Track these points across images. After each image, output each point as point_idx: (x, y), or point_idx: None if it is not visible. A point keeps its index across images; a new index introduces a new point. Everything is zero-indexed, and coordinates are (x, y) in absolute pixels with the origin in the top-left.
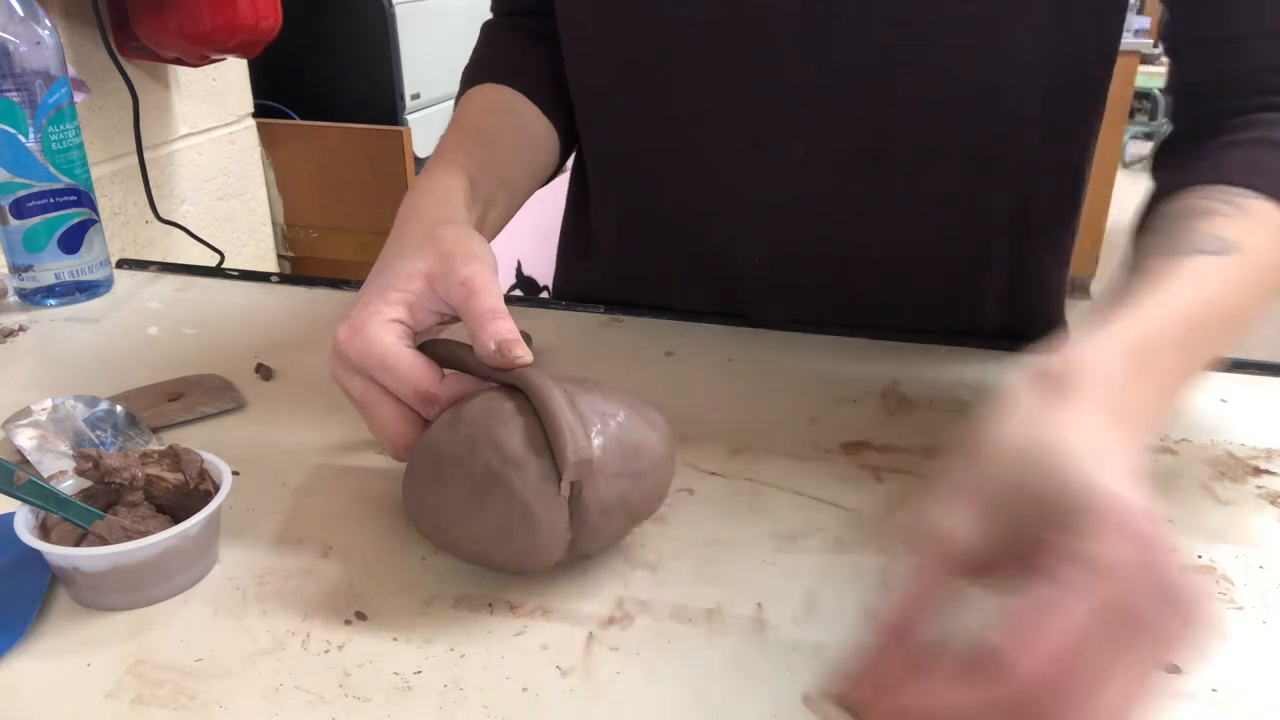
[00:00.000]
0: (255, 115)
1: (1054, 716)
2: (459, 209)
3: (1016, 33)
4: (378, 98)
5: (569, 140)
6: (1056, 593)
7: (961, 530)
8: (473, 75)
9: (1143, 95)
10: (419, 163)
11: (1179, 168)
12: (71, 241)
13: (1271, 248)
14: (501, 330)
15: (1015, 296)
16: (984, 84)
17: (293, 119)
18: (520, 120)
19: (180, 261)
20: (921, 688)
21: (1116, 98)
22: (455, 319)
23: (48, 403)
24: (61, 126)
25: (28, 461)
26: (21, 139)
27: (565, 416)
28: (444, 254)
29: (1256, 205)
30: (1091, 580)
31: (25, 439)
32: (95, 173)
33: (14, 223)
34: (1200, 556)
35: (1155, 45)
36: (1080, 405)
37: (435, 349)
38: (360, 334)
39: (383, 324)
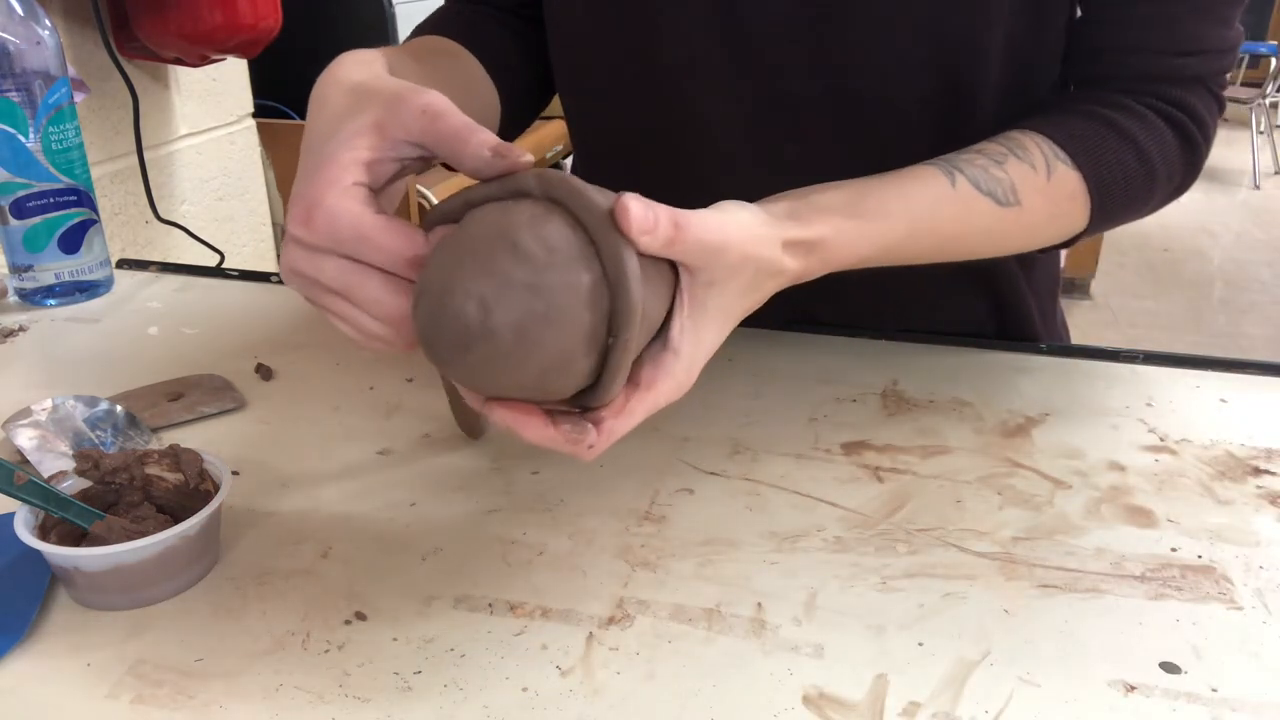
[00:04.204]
0: (255, 115)
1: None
2: (385, 73)
3: (992, 31)
4: None
5: (510, 116)
6: (641, 403)
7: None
8: (420, 29)
9: None
10: None
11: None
12: (71, 241)
13: (1045, 208)
14: (489, 138)
15: (1011, 295)
16: (966, 80)
17: (293, 119)
18: (465, 67)
19: (180, 261)
20: (529, 417)
21: None
22: (420, 161)
23: (48, 403)
24: (61, 126)
25: (28, 461)
26: (21, 139)
27: (632, 267)
28: (389, 98)
29: (1063, 173)
30: (654, 405)
31: (25, 439)
32: (95, 173)
33: (14, 223)
34: (1200, 556)
35: None
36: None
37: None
38: (321, 211)
39: (343, 192)
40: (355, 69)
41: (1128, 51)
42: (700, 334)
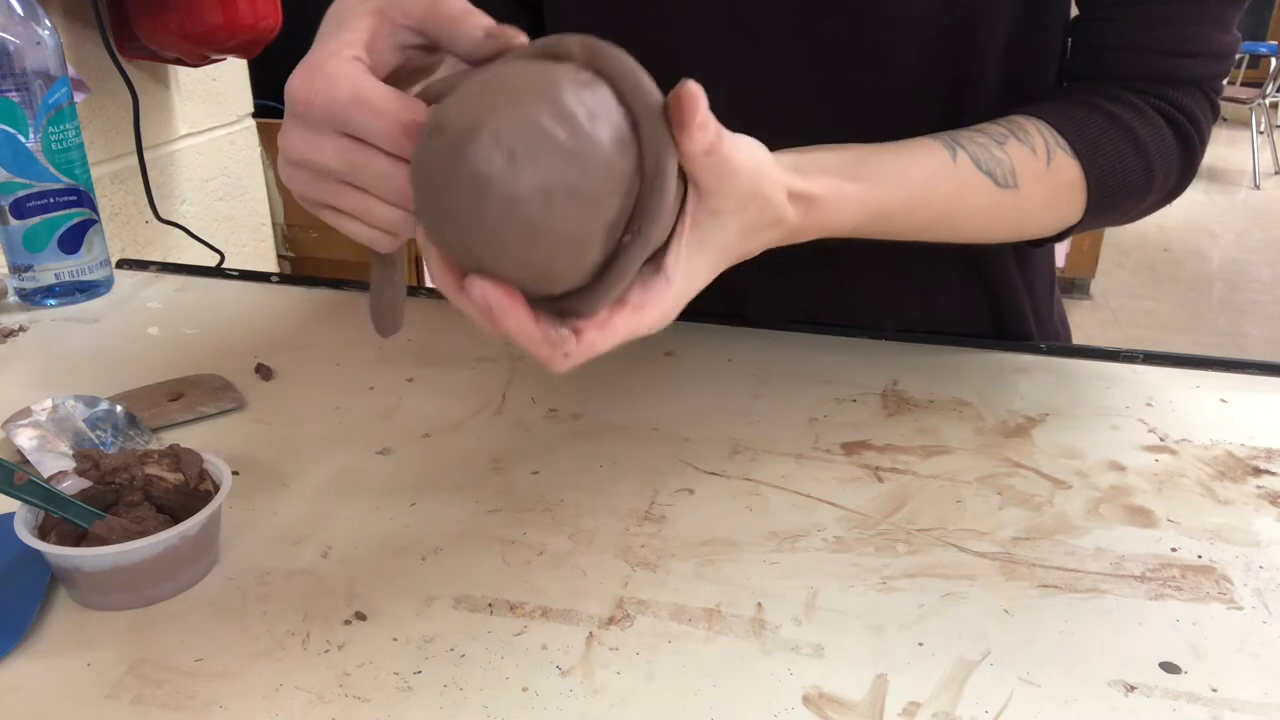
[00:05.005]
0: (255, 115)
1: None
2: None
3: (991, 30)
4: None
5: None
6: (625, 325)
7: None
8: None
9: None
10: None
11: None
12: (71, 241)
13: (1042, 195)
14: (485, 20)
15: (1008, 292)
16: (965, 80)
17: None
18: None
19: (180, 261)
20: (514, 304)
21: None
22: (420, 51)
23: (48, 403)
24: (61, 126)
25: (28, 461)
26: (21, 139)
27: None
28: None
29: (1062, 161)
30: (634, 330)
31: (25, 439)
32: (95, 173)
33: (14, 223)
34: (1200, 556)
35: None
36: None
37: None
38: (320, 75)
39: (343, 61)
40: None
41: (1125, 50)
42: (694, 266)
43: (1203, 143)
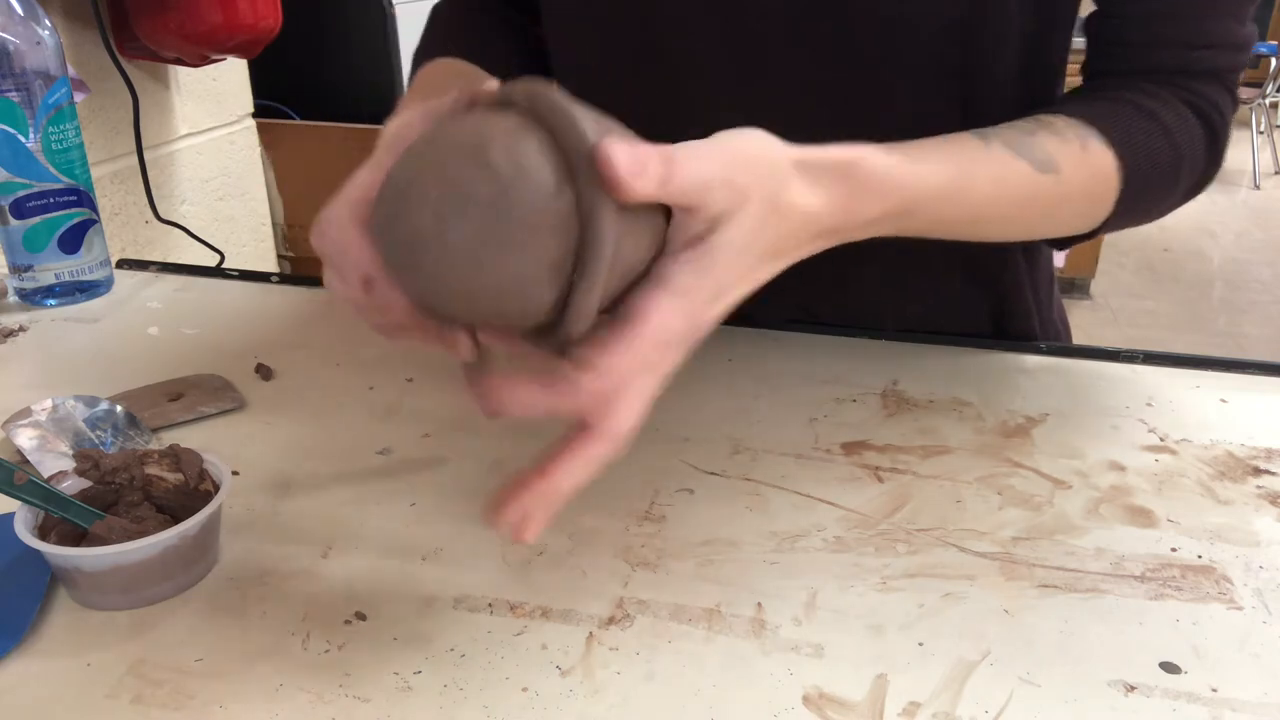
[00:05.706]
0: (255, 115)
1: (599, 418)
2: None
3: (988, 25)
4: (378, 98)
5: None
6: (624, 338)
7: None
8: (423, 55)
9: None
10: None
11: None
12: (71, 241)
13: (1081, 182)
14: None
15: (1014, 290)
16: (964, 76)
17: (293, 119)
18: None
19: (180, 261)
20: (512, 387)
21: None
22: None
23: (48, 403)
24: (61, 126)
25: (28, 461)
26: (21, 139)
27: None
28: (412, 110)
29: (1096, 148)
30: (646, 344)
31: (25, 439)
32: (95, 173)
33: (14, 223)
34: (1200, 556)
35: None
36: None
37: None
38: (324, 221)
39: (340, 207)
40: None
41: (1143, 45)
42: (703, 274)
43: (1226, 133)
